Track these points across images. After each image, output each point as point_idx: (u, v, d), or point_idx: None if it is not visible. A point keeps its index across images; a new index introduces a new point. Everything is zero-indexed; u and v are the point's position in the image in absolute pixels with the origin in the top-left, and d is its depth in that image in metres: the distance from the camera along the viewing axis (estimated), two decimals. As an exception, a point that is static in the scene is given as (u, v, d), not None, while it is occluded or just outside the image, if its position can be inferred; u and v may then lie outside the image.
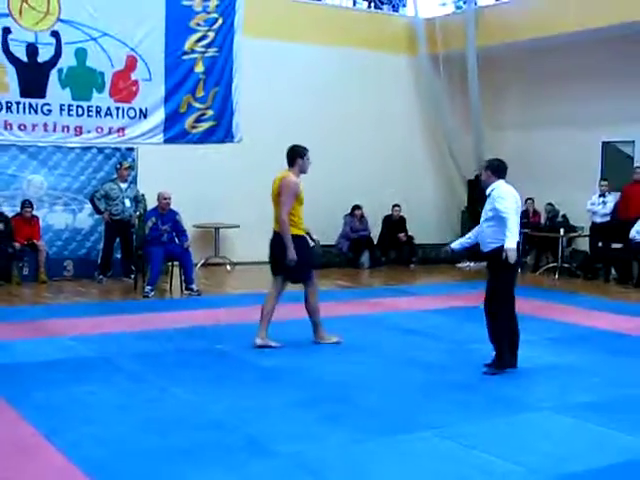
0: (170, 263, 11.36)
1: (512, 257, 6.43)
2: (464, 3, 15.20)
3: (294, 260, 7.35)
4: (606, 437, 5.18)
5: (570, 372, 6.85)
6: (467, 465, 4.61)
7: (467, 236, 7.10)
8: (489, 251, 6.67)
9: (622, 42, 13.10)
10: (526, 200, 13.64)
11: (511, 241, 6.44)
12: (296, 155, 7.55)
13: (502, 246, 6.50)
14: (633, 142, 13.55)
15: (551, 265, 13.78)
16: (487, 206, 6.73)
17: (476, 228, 6.98)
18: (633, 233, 12.42)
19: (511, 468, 4.58)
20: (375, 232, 14.70)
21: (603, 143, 13.98)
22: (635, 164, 13.26)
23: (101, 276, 11.54)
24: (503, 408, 5.77)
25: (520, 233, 6.84)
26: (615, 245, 13.00)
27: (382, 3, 15.88)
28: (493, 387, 6.33)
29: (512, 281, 6.75)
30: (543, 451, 4.87)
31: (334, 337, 7.80)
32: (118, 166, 11.78)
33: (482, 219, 6.79)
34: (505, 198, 6.60)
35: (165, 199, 10.81)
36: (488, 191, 6.76)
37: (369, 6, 15.88)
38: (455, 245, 7.22)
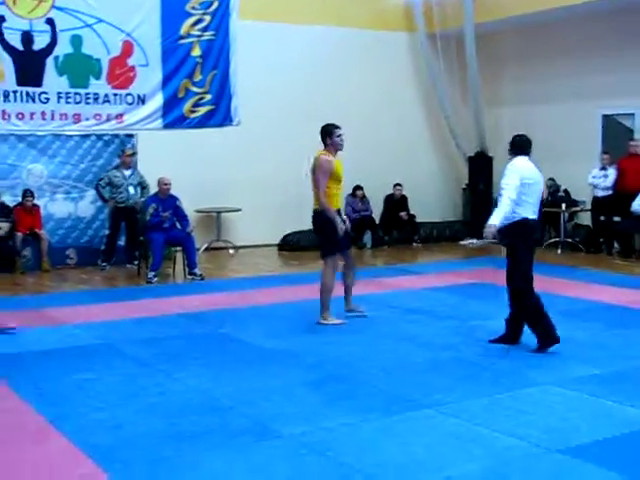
0: (173, 248, 11.40)
1: (488, 233, 6.46)
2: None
3: (342, 229, 7.60)
4: (610, 410, 5.22)
5: (573, 346, 6.85)
6: (470, 441, 4.65)
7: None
8: (502, 227, 6.65)
9: (620, 14, 13.05)
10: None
11: (494, 217, 6.48)
12: (325, 134, 7.75)
13: (515, 222, 6.54)
14: (633, 115, 13.51)
15: (554, 240, 13.78)
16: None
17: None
18: (635, 206, 12.43)
19: (513, 442, 4.62)
20: (377, 212, 14.71)
21: (603, 116, 13.95)
22: (636, 136, 13.25)
23: (104, 263, 11.57)
24: (506, 384, 5.80)
25: (540, 211, 6.84)
26: (617, 218, 13.02)
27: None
28: (496, 363, 6.36)
29: (527, 257, 6.71)
30: (546, 425, 4.90)
31: (337, 319, 7.83)
32: (120, 153, 11.80)
33: None
34: (508, 175, 6.58)
35: (165, 184, 10.83)
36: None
37: (365, -15, 15.76)
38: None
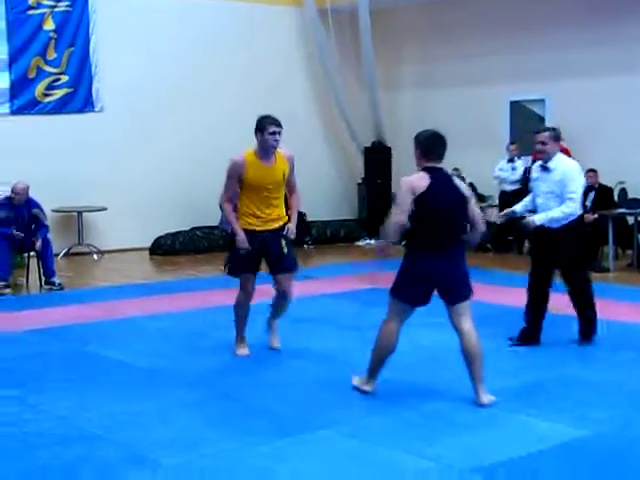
0: (26, 255, 11.08)
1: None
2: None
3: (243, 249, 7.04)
4: (524, 425, 5.34)
5: (484, 356, 6.99)
6: (375, 464, 4.68)
7: (524, 204, 7.63)
8: (559, 227, 7.07)
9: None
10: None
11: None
12: (256, 129, 7.06)
13: (569, 224, 7.04)
14: (543, 100, 13.94)
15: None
16: (552, 180, 7.10)
17: (530, 197, 7.55)
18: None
19: (424, 464, 4.67)
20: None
21: (511, 102, 14.35)
22: (547, 124, 13.66)
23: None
24: (410, 398, 5.86)
25: None
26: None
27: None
28: (401, 377, 6.41)
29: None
30: (457, 444, 4.99)
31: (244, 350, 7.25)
32: None
33: (546, 194, 7.14)
34: (576, 179, 7.07)
35: (17, 194, 10.48)
36: (552, 165, 7.06)
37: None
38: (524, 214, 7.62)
